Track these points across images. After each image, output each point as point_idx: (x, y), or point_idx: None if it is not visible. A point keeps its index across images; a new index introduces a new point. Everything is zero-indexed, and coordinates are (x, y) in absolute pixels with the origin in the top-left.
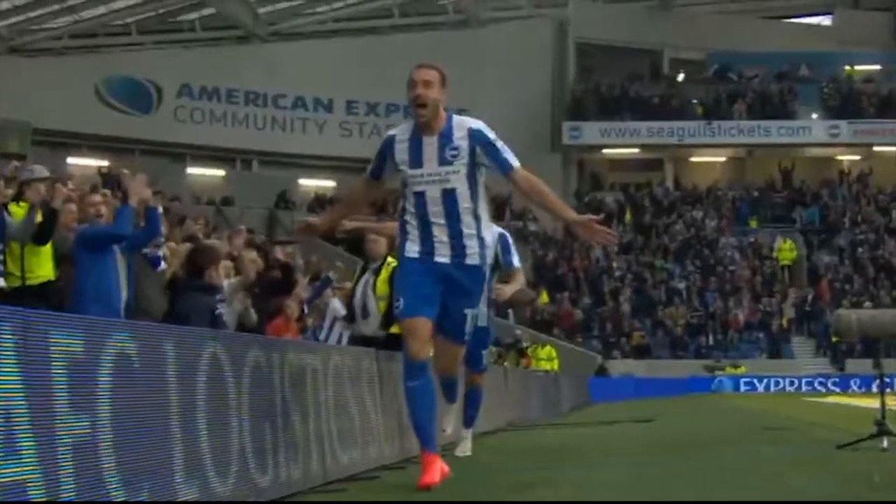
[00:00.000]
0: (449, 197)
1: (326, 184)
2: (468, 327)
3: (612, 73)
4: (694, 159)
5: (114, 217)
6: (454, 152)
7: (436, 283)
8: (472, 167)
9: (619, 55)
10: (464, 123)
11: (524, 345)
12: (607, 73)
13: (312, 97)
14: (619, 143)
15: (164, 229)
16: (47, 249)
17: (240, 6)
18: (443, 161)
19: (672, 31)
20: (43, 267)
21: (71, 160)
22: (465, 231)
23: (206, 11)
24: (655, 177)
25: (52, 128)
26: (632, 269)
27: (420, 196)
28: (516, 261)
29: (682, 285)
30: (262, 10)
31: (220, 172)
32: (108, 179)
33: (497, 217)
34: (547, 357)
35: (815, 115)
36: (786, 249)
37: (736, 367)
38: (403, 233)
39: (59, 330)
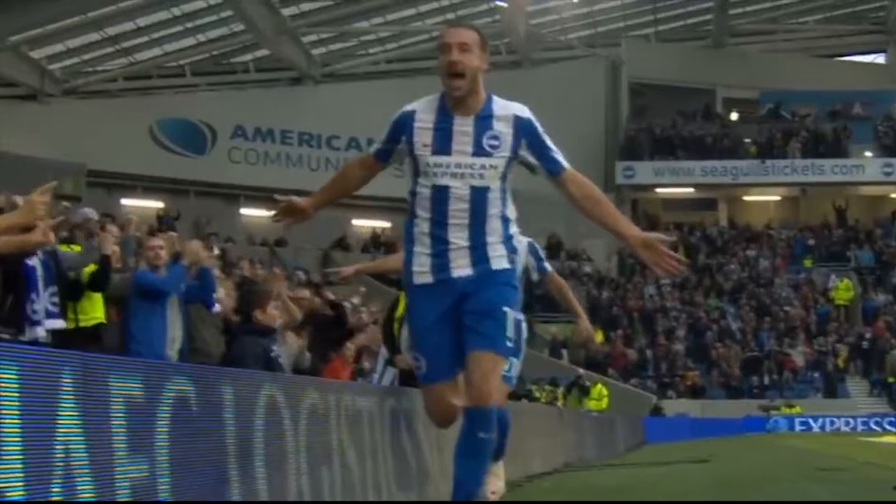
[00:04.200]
0: (479, 197)
1: (380, 224)
2: (510, 331)
3: (666, 112)
4: (748, 198)
5: (167, 271)
6: (495, 142)
7: (456, 320)
8: (511, 162)
9: (672, 94)
10: (508, 108)
11: (587, 383)
12: (660, 112)
13: (366, 138)
14: (673, 183)
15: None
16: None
17: (293, 48)
18: (479, 151)
19: (725, 71)
20: (96, 309)
21: (125, 201)
22: (490, 239)
23: (260, 53)
24: (709, 216)
25: (107, 169)
26: (686, 308)
27: (442, 192)
28: (549, 265)
29: (736, 325)
30: (315, 52)
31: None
32: (165, 221)
33: (551, 257)
34: (597, 396)
35: (868, 154)
36: (842, 289)
37: (791, 406)
38: (410, 239)
39: (118, 373)
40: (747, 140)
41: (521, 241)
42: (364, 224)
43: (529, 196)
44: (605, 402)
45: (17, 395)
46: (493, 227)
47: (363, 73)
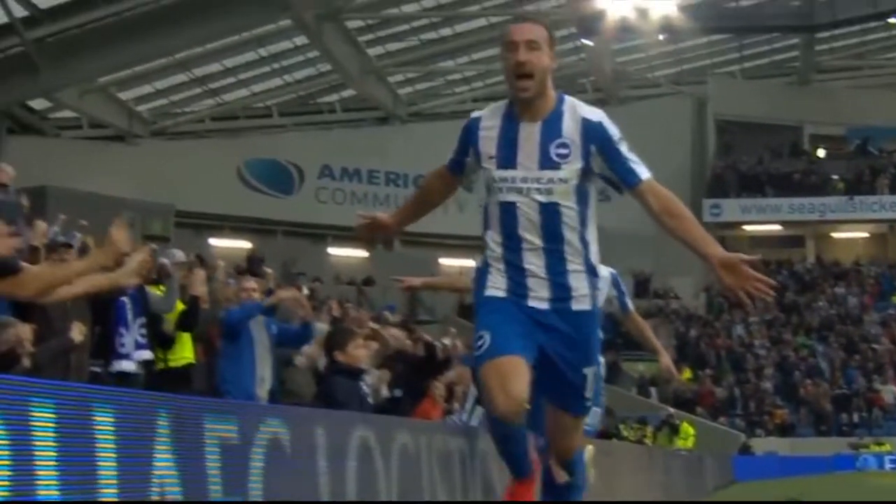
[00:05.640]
0: (549, 214)
1: (468, 263)
2: (589, 391)
3: (752, 149)
4: (836, 235)
5: (241, 306)
6: (563, 151)
7: (533, 328)
8: (586, 175)
9: (758, 131)
10: (578, 110)
11: (676, 421)
12: (747, 149)
13: None
14: (760, 220)
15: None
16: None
17: (380, 88)
18: (546, 162)
19: (811, 107)
20: (185, 349)
21: (213, 241)
22: (570, 265)
23: (347, 93)
24: (797, 253)
25: (195, 210)
26: (774, 346)
27: (509, 209)
28: (631, 303)
29: (825, 362)
30: (401, 92)
31: (362, 253)
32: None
33: (638, 295)
34: (684, 435)
35: None
36: None
37: (880, 444)
38: (483, 265)
39: (213, 415)
40: (835, 176)
41: (604, 273)
42: (451, 263)
43: (615, 233)
44: (691, 441)
45: (113, 437)
46: (572, 252)
47: (449, 111)
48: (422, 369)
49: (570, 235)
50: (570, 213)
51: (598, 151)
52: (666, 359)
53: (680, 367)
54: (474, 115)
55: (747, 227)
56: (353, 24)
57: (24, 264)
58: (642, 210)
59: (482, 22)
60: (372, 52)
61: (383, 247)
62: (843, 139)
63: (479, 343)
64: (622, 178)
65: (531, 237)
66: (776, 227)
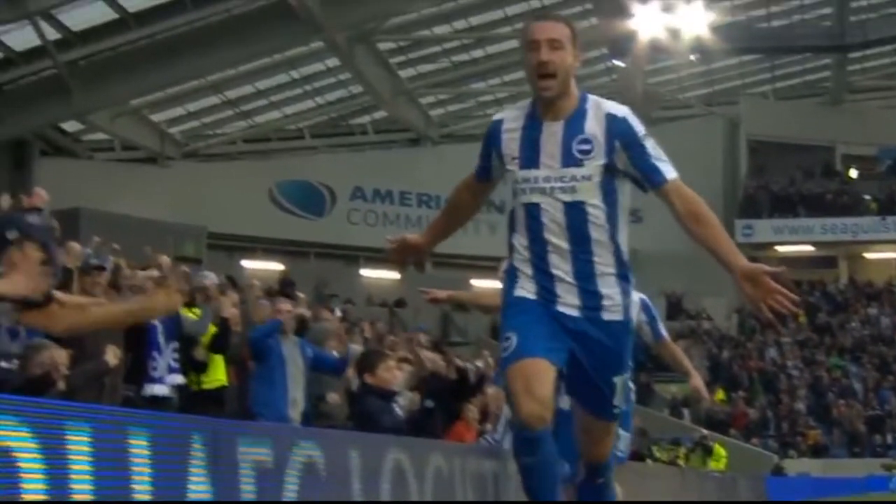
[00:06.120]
0: (575, 214)
1: (500, 285)
2: (618, 399)
3: (784, 169)
4: (868, 255)
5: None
6: (585, 147)
7: (562, 331)
8: (611, 172)
9: (790, 152)
10: (603, 106)
11: (710, 443)
12: (779, 169)
13: None
14: (793, 241)
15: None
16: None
17: (411, 109)
18: (568, 160)
19: (843, 127)
20: (218, 372)
21: (245, 263)
22: (599, 268)
23: (378, 115)
24: (829, 274)
25: (227, 231)
26: (807, 367)
27: (533, 210)
28: (665, 331)
29: (858, 383)
30: (433, 113)
31: (394, 274)
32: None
33: (670, 316)
34: (716, 457)
35: None
36: None
37: None
38: (511, 270)
39: (248, 438)
40: (867, 197)
41: (634, 298)
42: (484, 285)
43: (647, 253)
44: (723, 463)
45: (148, 460)
46: (601, 254)
47: (481, 133)
48: (454, 392)
49: (599, 236)
50: (596, 212)
51: (622, 147)
52: (696, 380)
53: (712, 388)
54: (496, 116)
55: (780, 248)
56: (384, 45)
57: (59, 295)
58: (674, 230)
59: (513, 44)
60: (403, 73)
61: (415, 268)
62: (875, 159)
63: (506, 345)
64: (646, 177)
65: (557, 240)
66: (808, 248)
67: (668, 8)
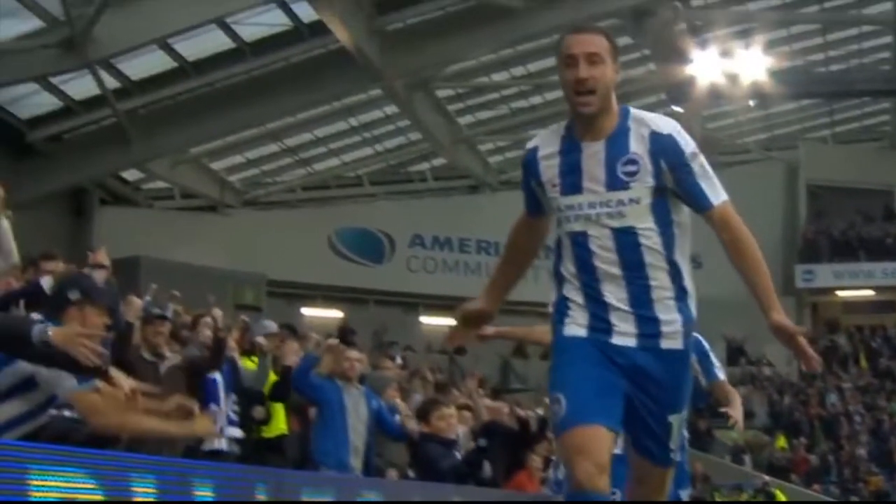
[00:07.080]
0: (625, 240)
1: None
2: (674, 442)
3: (844, 214)
4: None
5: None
6: (631, 168)
7: (617, 377)
8: (662, 192)
9: (850, 196)
10: (646, 122)
11: (772, 489)
12: (839, 214)
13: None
14: (854, 286)
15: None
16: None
17: (470, 156)
18: (614, 183)
19: None
20: (278, 420)
21: (305, 311)
22: (657, 293)
23: (437, 162)
24: (890, 319)
25: (286, 279)
26: (868, 412)
27: (580, 239)
28: (721, 372)
29: None
30: (492, 160)
31: (453, 322)
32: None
33: (730, 363)
34: (776, 503)
35: None
36: None
37: None
38: (560, 301)
39: (310, 488)
40: None
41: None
42: (543, 331)
43: (707, 298)
44: None
45: None
46: (658, 278)
47: None
48: (516, 442)
49: (653, 260)
50: (649, 234)
51: (668, 168)
52: (735, 409)
53: (773, 433)
54: (529, 144)
55: (840, 293)
56: (443, 93)
57: (113, 373)
58: (733, 274)
59: None
60: (462, 120)
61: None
62: None
63: (556, 408)
64: (692, 201)
65: (608, 267)
66: (869, 293)
67: (726, 53)
